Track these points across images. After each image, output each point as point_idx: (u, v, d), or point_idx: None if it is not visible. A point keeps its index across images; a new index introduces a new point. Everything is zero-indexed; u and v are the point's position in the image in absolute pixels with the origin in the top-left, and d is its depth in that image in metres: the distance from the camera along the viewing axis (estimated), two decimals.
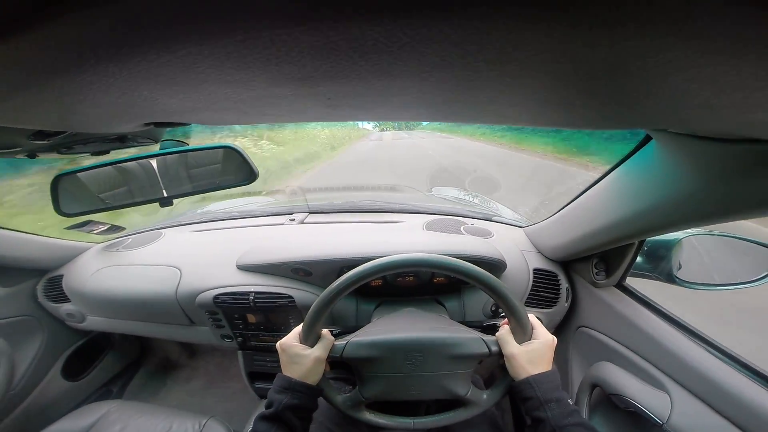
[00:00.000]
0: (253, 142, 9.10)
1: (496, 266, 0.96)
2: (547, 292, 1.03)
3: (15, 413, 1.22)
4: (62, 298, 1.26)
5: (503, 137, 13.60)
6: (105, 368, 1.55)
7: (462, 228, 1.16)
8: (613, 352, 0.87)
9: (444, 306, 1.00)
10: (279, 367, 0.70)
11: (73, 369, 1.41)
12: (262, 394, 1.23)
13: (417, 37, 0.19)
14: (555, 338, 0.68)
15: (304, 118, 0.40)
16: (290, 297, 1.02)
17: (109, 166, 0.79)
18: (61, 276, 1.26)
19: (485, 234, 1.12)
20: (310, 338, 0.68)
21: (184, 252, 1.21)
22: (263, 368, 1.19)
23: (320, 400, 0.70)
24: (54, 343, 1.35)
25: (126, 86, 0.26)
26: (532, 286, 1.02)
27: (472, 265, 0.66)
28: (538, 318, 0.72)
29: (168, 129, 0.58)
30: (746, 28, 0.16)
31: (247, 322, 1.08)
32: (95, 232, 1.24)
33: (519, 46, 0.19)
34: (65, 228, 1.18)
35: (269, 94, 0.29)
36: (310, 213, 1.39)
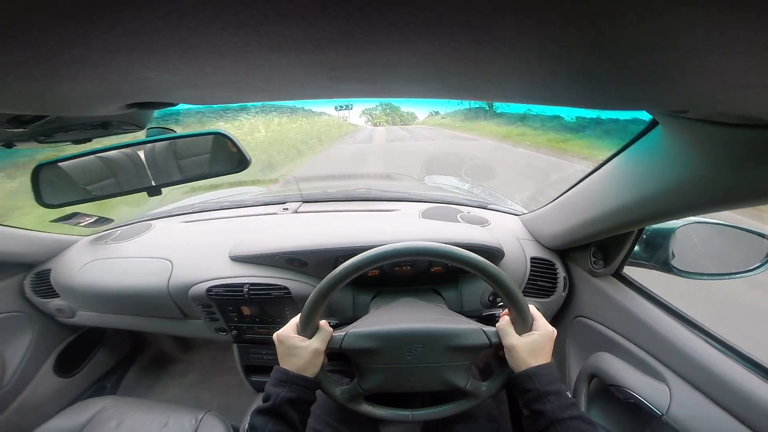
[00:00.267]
0: None
1: (494, 255, 0.96)
2: (544, 282, 1.02)
3: (7, 411, 1.20)
4: (51, 293, 1.23)
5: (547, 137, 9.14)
6: (98, 364, 1.53)
7: (458, 216, 1.15)
8: (612, 343, 0.87)
9: (441, 296, 1.00)
10: (275, 359, 0.68)
11: (66, 365, 1.39)
12: (258, 388, 1.22)
13: None
14: (555, 330, 0.68)
15: (304, 94, 0.37)
16: (286, 288, 1.00)
17: (93, 155, 0.76)
18: (49, 270, 1.22)
19: (482, 222, 1.11)
20: (308, 330, 0.67)
21: (175, 244, 1.18)
22: (259, 361, 1.18)
23: (318, 392, 0.69)
24: (45, 339, 1.32)
25: (100, 56, 0.23)
26: (530, 274, 1.02)
27: (474, 254, 0.64)
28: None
29: (154, 112, 0.55)
30: None
31: (241, 314, 1.07)
32: (82, 224, 1.21)
33: (544, 18, 0.17)
34: (51, 221, 1.14)
35: (266, 64, 0.26)
36: (304, 202, 1.37)
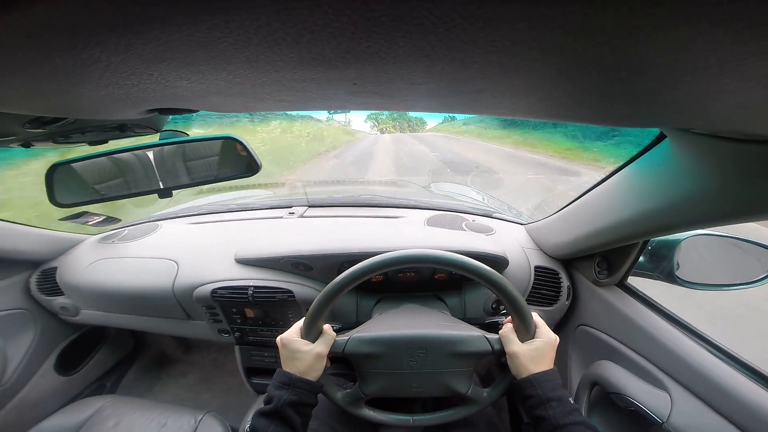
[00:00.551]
0: None
1: (498, 263, 0.96)
2: (548, 290, 1.03)
3: (7, 408, 1.20)
4: (56, 291, 1.24)
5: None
6: (99, 362, 1.53)
7: (463, 224, 1.15)
8: (614, 351, 0.87)
9: (445, 302, 1.00)
10: (277, 362, 0.69)
11: (67, 363, 1.39)
12: (259, 390, 1.22)
13: (471, 18, 0.17)
14: (557, 337, 0.68)
15: (324, 105, 0.38)
16: (290, 292, 1.00)
17: (105, 157, 0.78)
18: (55, 268, 1.23)
19: (487, 230, 1.12)
20: (311, 334, 0.67)
21: (182, 245, 1.19)
22: (261, 364, 1.18)
23: (320, 395, 0.69)
24: (47, 337, 1.33)
25: (136, 65, 0.24)
26: (533, 283, 1.02)
27: (478, 262, 0.65)
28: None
29: (170, 117, 0.56)
30: None
31: (245, 316, 1.07)
32: (90, 223, 1.22)
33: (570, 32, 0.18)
34: (59, 219, 1.15)
35: (293, 77, 0.27)
36: (310, 206, 1.37)
